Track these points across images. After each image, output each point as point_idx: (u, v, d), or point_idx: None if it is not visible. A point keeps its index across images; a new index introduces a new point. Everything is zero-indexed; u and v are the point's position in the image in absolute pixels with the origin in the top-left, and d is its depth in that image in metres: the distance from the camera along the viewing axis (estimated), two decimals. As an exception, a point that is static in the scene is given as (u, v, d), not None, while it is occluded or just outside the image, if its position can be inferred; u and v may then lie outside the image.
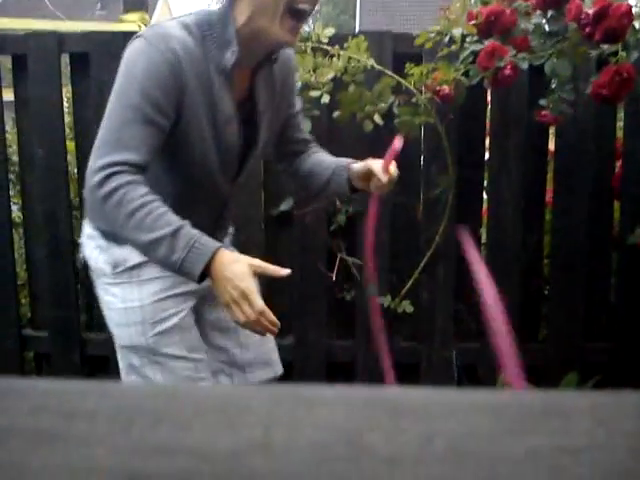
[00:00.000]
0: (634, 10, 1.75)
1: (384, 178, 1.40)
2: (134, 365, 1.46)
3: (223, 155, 1.39)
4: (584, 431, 0.30)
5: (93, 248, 1.48)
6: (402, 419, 0.30)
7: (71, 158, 2.47)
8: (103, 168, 1.23)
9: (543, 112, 1.90)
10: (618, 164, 2.26)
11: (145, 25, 2.29)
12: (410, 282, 2.25)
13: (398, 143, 1.45)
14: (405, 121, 2.03)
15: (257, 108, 1.44)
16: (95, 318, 2.51)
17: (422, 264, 2.23)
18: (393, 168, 1.45)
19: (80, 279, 2.53)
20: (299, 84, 1.97)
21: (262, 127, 1.45)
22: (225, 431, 0.29)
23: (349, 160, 1.54)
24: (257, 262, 1.27)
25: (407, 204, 2.29)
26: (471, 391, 0.34)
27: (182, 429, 0.29)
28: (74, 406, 0.32)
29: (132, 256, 1.39)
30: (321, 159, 1.61)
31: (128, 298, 1.42)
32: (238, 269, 1.22)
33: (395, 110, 2.04)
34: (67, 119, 2.49)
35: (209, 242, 1.23)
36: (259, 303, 1.23)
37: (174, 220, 1.22)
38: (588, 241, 2.23)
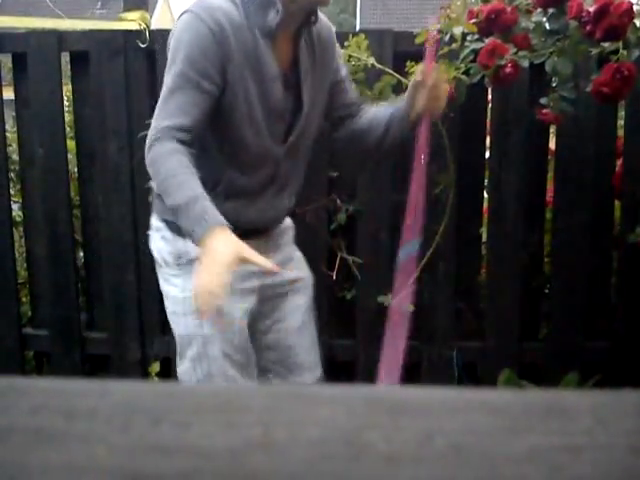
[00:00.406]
0: (635, 8, 1.75)
1: (431, 77, 1.47)
2: (185, 355, 1.52)
3: (270, 115, 1.44)
4: (584, 430, 0.30)
5: (159, 239, 1.55)
6: (402, 417, 0.30)
7: (71, 157, 2.47)
8: (154, 132, 1.34)
9: (544, 110, 1.90)
10: (619, 163, 2.26)
11: (145, 24, 2.28)
12: (411, 281, 2.24)
13: (433, 36, 1.47)
14: (405, 120, 2.02)
15: (300, 71, 1.48)
16: (95, 317, 2.51)
17: (422, 263, 2.23)
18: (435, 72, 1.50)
19: (80, 278, 2.53)
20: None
21: (306, 89, 1.49)
22: (225, 430, 0.29)
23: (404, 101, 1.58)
24: (249, 250, 1.29)
25: (407, 203, 2.28)
26: (471, 390, 0.34)
27: (182, 428, 0.29)
28: (74, 405, 0.32)
29: (194, 248, 1.44)
30: (375, 112, 1.65)
31: (188, 288, 1.46)
32: (225, 246, 1.25)
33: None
34: (67, 118, 2.49)
35: (217, 217, 1.28)
36: (217, 278, 1.25)
37: (193, 190, 1.29)
38: (589, 240, 2.22)
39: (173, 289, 1.52)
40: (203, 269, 1.26)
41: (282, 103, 1.46)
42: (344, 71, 1.66)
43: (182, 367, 1.54)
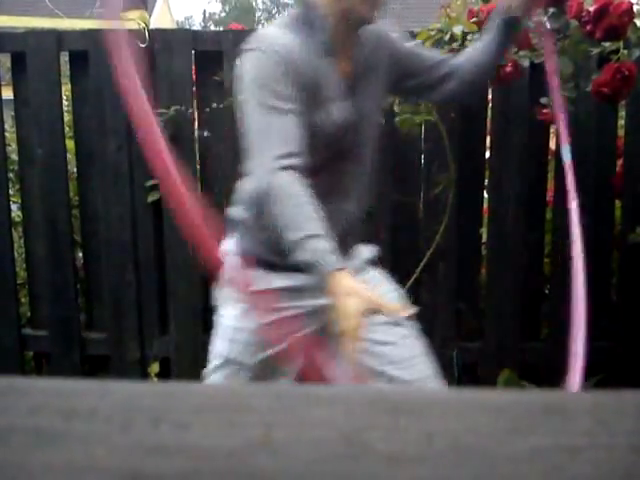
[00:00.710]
0: (635, 8, 1.75)
1: None
2: (215, 366, 1.55)
3: (329, 131, 1.41)
4: (585, 430, 0.30)
5: (230, 260, 1.53)
6: (402, 418, 0.30)
7: (70, 157, 2.47)
8: (266, 165, 1.29)
9: (544, 110, 1.90)
10: (619, 163, 2.26)
11: (145, 23, 2.28)
12: (410, 281, 2.24)
13: None
14: (406, 119, 2.02)
15: (358, 81, 1.47)
16: (95, 317, 2.51)
17: (423, 263, 2.23)
18: None
19: (79, 278, 2.53)
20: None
21: (363, 98, 1.47)
22: (226, 430, 0.29)
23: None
24: (376, 298, 1.25)
25: (407, 203, 2.28)
26: (472, 390, 0.34)
27: (182, 428, 0.29)
28: (74, 405, 0.32)
29: (256, 282, 1.42)
30: (475, 47, 1.62)
31: (245, 319, 1.47)
32: (355, 298, 1.21)
33: (396, 108, 2.04)
34: (66, 117, 2.49)
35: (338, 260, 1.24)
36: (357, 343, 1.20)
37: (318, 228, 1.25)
38: (589, 240, 2.22)
39: (233, 311, 1.52)
40: (342, 331, 1.20)
41: (341, 119, 1.44)
42: (409, 43, 1.64)
43: (209, 368, 1.58)
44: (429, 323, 2.29)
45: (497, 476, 0.26)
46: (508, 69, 1.83)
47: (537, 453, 0.28)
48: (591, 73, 1.86)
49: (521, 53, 1.83)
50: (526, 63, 1.84)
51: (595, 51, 1.85)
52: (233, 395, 0.32)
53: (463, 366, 2.30)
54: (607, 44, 1.81)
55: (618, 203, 2.30)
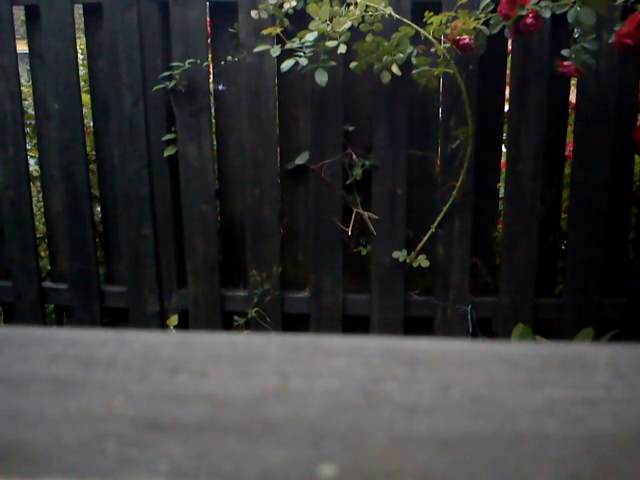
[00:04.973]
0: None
1: None
2: None
3: None
4: (603, 383, 0.30)
5: None
6: (418, 369, 0.30)
7: (86, 111, 2.46)
8: None
9: (565, 63, 1.86)
10: (640, 117, 2.22)
11: (159, -26, 2.24)
12: (426, 237, 2.24)
13: None
14: (423, 72, 1.99)
15: None
16: (114, 271, 2.53)
17: (439, 218, 2.22)
18: None
19: (98, 232, 2.55)
20: (314, 34, 1.93)
21: None
22: (242, 379, 0.29)
23: None
24: None
25: (425, 157, 2.26)
26: (489, 342, 0.34)
27: (199, 377, 0.29)
28: (92, 354, 0.32)
29: None
30: None
31: None
32: None
33: (413, 60, 2.01)
34: (81, 71, 2.47)
35: None
36: None
37: None
38: (607, 195, 2.20)
39: None
40: None
41: None
42: None
43: None
44: (445, 278, 2.30)
45: (514, 427, 0.26)
46: (529, 20, 1.78)
47: (555, 405, 0.28)
48: (614, 24, 1.81)
49: (542, 3, 1.78)
50: (547, 14, 1.79)
51: (619, 1, 1.79)
52: (250, 345, 0.32)
53: (478, 321, 2.31)
54: (632, -7, 1.76)
55: (637, 158, 2.27)
